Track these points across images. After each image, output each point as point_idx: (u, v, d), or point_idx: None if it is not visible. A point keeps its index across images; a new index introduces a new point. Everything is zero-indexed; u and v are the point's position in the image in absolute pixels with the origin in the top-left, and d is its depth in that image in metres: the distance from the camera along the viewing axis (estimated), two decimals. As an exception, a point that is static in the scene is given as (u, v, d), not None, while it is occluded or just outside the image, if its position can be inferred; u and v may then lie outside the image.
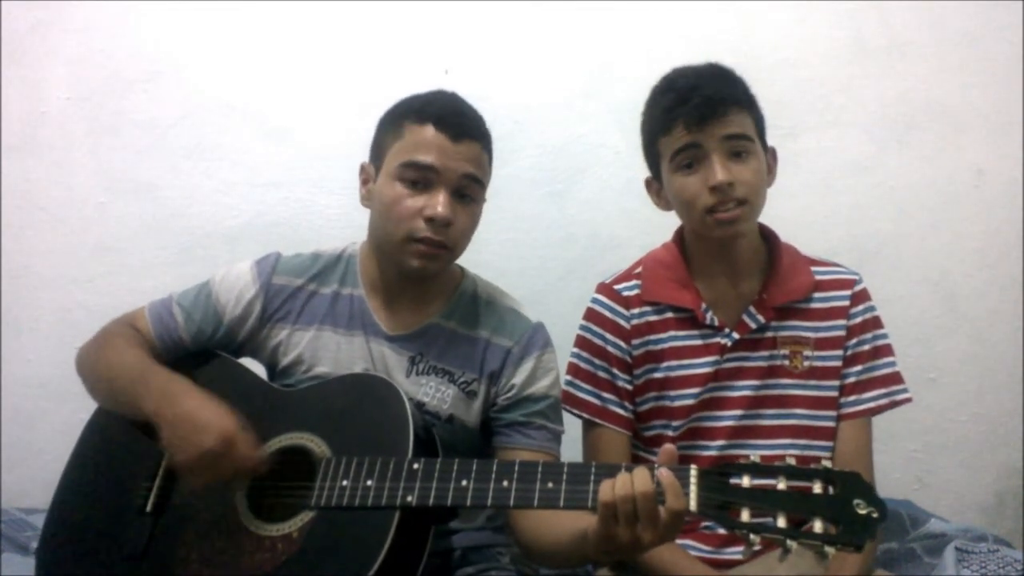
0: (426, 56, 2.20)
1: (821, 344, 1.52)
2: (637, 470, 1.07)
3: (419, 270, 1.39)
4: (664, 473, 1.06)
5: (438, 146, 1.37)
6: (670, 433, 1.52)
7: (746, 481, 1.03)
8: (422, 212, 1.36)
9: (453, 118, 1.39)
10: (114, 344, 1.43)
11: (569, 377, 1.57)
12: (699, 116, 1.40)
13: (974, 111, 2.22)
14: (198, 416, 1.24)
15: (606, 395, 1.54)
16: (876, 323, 1.55)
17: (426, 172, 1.37)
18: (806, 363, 1.51)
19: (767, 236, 1.58)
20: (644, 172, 2.18)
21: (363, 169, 1.49)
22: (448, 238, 1.38)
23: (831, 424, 1.52)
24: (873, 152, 2.23)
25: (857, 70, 2.22)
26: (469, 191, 1.41)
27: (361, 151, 1.50)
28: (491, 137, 1.47)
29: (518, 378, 1.45)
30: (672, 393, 1.52)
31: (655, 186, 1.57)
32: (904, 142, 2.23)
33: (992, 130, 2.22)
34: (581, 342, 1.58)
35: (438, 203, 1.36)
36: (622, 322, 1.55)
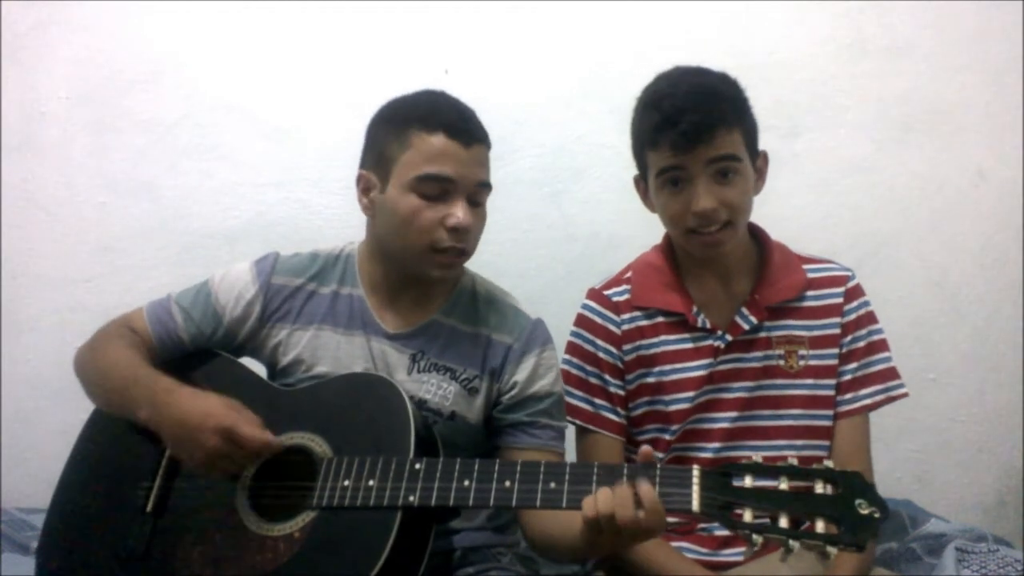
0: (426, 56, 2.20)
1: (816, 343, 1.51)
2: (618, 488, 1.08)
3: (440, 279, 1.42)
4: (644, 488, 1.06)
5: (453, 155, 1.36)
6: (667, 437, 1.52)
7: (748, 481, 1.03)
8: (443, 223, 1.36)
9: (462, 124, 1.38)
10: (108, 347, 1.42)
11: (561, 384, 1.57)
12: (686, 141, 1.38)
13: (974, 111, 2.22)
14: (191, 416, 1.24)
15: (598, 401, 1.54)
16: (871, 318, 1.54)
17: (444, 183, 1.36)
18: (801, 362, 1.51)
19: (757, 235, 1.57)
20: (644, 172, 2.20)
21: (362, 178, 1.44)
22: (468, 244, 1.40)
23: (828, 423, 1.51)
24: (873, 152, 2.23)
25: (857, 70, 2.22)
26: (480, 196, 1.42)
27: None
28: None
29: (520, 375, 1.45)
30: (667, 398, 1.52)
31: (643, 186, 1.55)
32: (904, 142, 2.23)
33: (992, 130, 2.22)
34: (572, 348, 1.58)
35: (459, 212, 1.36)
36: (612, 328, 1.55)
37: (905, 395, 1.53)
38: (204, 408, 1.25)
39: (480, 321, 1.48)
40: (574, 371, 1.56)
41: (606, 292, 1.58)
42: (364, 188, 1.44)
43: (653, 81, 1.49)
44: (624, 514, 1.05)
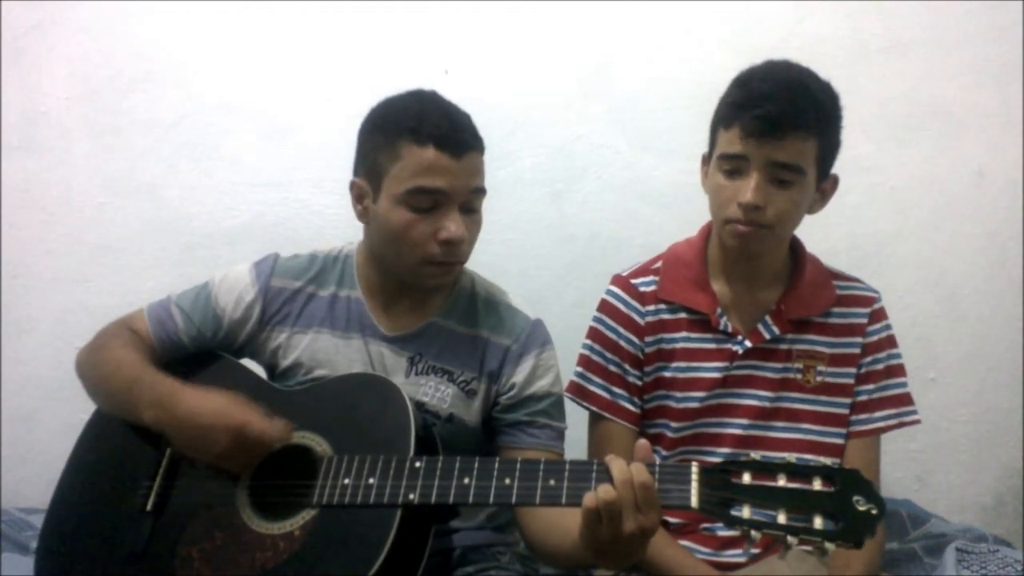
0: (425, 56, 2.20)
1: (835, 360, 1.51)
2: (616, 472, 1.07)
3: (436, 287, 1.42)
4: (637, 468, 1.07)
5: (444, 167, 1.32)
6: (670, 435, 1.52)
7: (747, 478, 1.03)
8: (436, 236, 1.34)
9: (452, 135, 1.33)
10: (110, 347, 1.42)
11: (580, 369, 1.56)
12: (757, 130, 1.34)
13: (974, 111, 2.22)
14: (199, 418, 1.25)
15: (616, 390, 1.54)
16: (891, 342, 1.54)
17: (436, 195, 1.33)
18: (819, 378, 1.50)
19: (794, 247, 1.56)
20: (644, 172, 2.21)
21: (355, 186, 1.42)
22: (463, 254, 1.39)
23: (840, 441, 1.51)
24: (873, 152, 2.23)
25: (857, 70, 2.22)
26: (475, 203, 1.39)
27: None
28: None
29: (518, 377, 1.45)
30: (678, 394, 1.51)
31: (706, 167, 1.51)
32: (904, 142, 2.23)
33: (992, 130, 2.22)
34: (594, 334, 1.57)
35: (452, 224, 1.33)
36: (636, 317, 1.54)
37: (917, 422, 1.54)
38: (214, 407, 1.25)
39: (478, 323, 1.48)
40: (595, 357, 1.55)
41: (633, 281, 1.56)
42: (357, 196, 1.42)
43: (752, 65, 1.44)
44: (625, 492, 1.05)
